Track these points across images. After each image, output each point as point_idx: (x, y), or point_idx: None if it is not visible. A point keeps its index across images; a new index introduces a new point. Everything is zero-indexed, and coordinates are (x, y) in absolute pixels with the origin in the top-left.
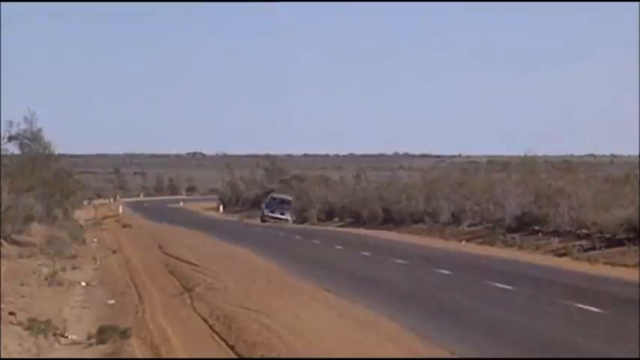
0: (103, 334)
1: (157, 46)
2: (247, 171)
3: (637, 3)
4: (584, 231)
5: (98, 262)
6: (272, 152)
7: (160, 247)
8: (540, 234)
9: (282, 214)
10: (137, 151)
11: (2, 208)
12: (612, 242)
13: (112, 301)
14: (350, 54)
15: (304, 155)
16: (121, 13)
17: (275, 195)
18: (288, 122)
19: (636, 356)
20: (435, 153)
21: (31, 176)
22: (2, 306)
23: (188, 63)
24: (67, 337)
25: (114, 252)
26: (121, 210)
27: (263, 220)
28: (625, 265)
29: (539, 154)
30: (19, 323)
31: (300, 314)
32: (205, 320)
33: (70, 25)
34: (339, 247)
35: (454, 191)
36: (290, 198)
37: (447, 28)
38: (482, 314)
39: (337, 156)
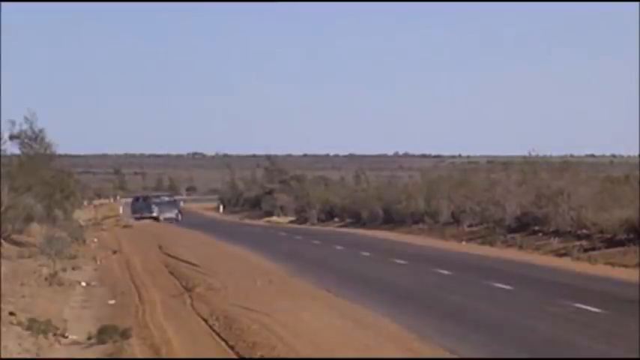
0: (103, 334)
1: (157, 46)
2: (247, 171)
3: (637, 3)
4: (585, 231)
5: (98, 263)
6: (272, 152)
7: (160, 247)
8: (540, 234)
9: (150, 211)
10: (137, 151)
11: (2, 208)
12: (612, 242)
13: (112, 301)
14: (349, 54)
15: (304, 155)
16: (121, 13)
17: (138, 195)
18: (288, 122)
19: (636, 356)
20: (435, 153)
21: (31, 176)
22: (2, 306)
23: (188, 63)
24: (67, 337)
25: (114, 252)
26: (121, 210)
27: (137, 220)
28: (625, 266)
29: (540, 154)
30: (19, 323)
31: (301, 314)
32: (205, 320)
33: (70, 25)
34: (339, 247)
35: (454, 191)
36: (160, 194)
37: (447, 28)
38: (482, 314)
39: (337, 156)
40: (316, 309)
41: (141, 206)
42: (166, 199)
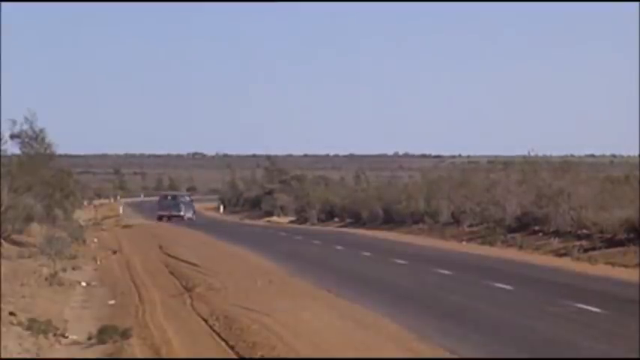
0: (103, 334)
1: (157, 47)
2: (247, 171)
3: (637, 3)
4: (585, 231)
5: (98, 263)
6: (272, 152)
7: (161, 247)
8: (541, 234)
9: (179, 210)
10: (137, 151)
11: (2, 208)
12: (612, 242)
13: (112, 302)
14: (350, 54)
15: (304, 155)
16: (121, 14)
17: (167, 193)
18: (288, 122)
19: (636, 356)
20: (435, 153)
21: (31, 176)
22: (2, 306)
23: (188, 63)
24: (67, 337)
25: (114, 252)
26: (121, 210)
27: (159, 219)
28: (625, 266)
29: (539, 154)
30: (20, 323)
31: (301, 314)
32: (205, 320)
33: (70, 25)
34: (339, 247)
35: (454, 191)
36: (183, 194)
37: (447, 28)
38: (482, 314)
39: (337, 156)
40: (316, 309)
41: (169, 204)
42: (187, 198)
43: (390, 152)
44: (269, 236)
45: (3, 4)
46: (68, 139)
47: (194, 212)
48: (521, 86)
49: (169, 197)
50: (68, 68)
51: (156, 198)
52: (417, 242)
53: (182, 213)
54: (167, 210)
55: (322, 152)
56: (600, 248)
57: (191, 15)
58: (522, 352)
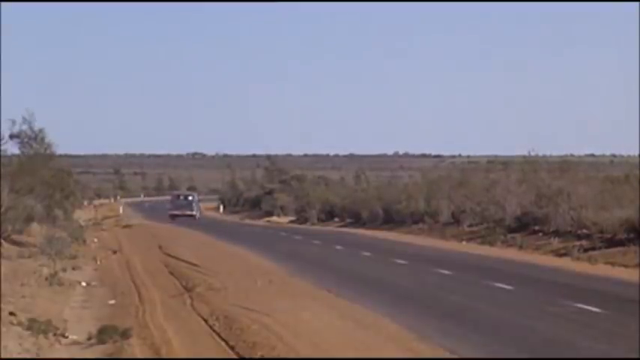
0: (103, 334)
1: (157, 46)
2: (247, 171)
3: (637, 3)
4: (585, 231)
5: (98, 263)
6: (272, 152)
7: (161, 247)
8: (541, 234)
9: (191, 210)
10: (137, 151)
11: (2, 209)
12: (612, 242)
13: (112, 301)
14: (350, 54)
15: (304, 155)
16: (121, 13)
17: (179, 193)
18: (288, 122)
19: (636, 356)
20: (435, 153)
21: (31, 176)
22: (2, 306)
23: (188, 63)
24: (67, 337)
25: (114, 252)
26: (121, 210)
27: (172, 217)
28: (625, 265)
29: (539, 154)
30: (20, 323)
31: (301, 314)
32: (205, 320)
33: (70, 25)
34: (339, 247)
35: (454, 191)
36: (192, 194)
37: (447, 28)
38: (482, 314)
39: (337, 156)
40: (316, 309)
41: (182, 204)
42: (196, 198)
43: (390, 152)
44: (269, 236)
45: (3, 4)
46: (68, 139)
47: (200, 212)
48: (521, 86)
49: (181, 197)
50: (68, 68)
51: (156, 198)
52: (417, 242)
53: (194, 212)
54: (180, 209)
55: (322, 152)
56: (600, 248)
57: (191, 15)
58: (522, 352)
